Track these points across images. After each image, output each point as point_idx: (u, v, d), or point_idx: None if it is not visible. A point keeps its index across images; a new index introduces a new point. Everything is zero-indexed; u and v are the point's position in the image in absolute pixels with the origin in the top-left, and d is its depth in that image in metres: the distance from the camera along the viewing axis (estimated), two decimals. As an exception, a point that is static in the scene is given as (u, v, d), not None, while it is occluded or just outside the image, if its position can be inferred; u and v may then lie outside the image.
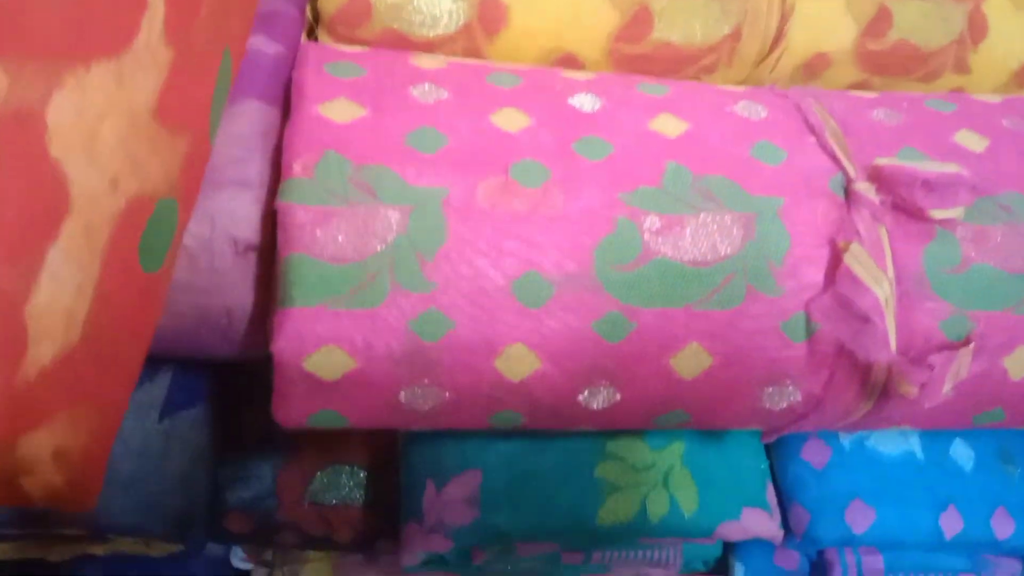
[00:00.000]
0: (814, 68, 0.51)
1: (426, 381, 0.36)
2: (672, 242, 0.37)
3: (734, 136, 0.41)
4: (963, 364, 0.38)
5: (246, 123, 0.40)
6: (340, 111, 0.38)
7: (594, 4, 0.46)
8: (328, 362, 0.34)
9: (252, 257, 0.38)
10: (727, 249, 0.37)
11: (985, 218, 0.40)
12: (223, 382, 0.50)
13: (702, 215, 0.38)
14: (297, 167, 0.36)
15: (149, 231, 0.26)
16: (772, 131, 0.42)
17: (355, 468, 0.51)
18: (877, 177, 0.40)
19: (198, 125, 0.30)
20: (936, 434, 0.49)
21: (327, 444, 0.51)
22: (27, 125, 0.22)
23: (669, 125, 0.41)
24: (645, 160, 0.39)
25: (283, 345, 0.34)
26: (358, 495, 0.51)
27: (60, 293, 0.23)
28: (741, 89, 0.45)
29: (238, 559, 0.63)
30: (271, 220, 0.38)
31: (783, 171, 0.40)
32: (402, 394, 0.36)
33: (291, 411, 0.36)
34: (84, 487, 0.25)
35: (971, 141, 0.44)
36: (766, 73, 0.50)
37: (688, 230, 0.37)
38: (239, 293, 0.39)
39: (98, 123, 0.24)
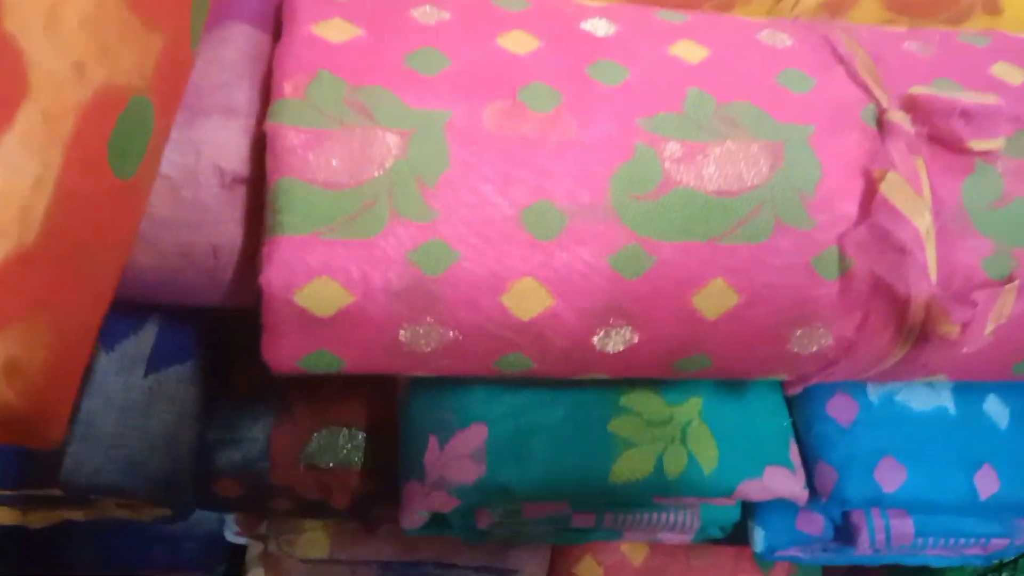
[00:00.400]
0: (837, 7, 0.48)
1: (428, 319, 0.33)
2: (695, 170, 0.34)
3: (759, 63, 0.38)
4: (1006, 303, 0.36)
5: (233, 47, 0.37)
6: (335, 30, 0.35)
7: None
8: (321, 295, 0.32)
9: (240, 191, 0.36)
10: (754, 179, 0.35)
11: None
12: (212, 337, 0.47)
13: (727, 143, 0.35)
14: (288, 87, 0.33)
15: (120, 129, 0.24)
16: (798, 59, 0.39)
17: (353, 430, 0.48)
18: (912, 107, 0.37)
19: (176, 23, 0.27)
20: (969, 389, 0.46)
21: (323, 403, 0.48)
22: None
23: (689, 51, 0.38)
24: (664, 86, 0.36)
25: (272, 276, 0.31)
26: (356, 458, 0.48)
27: (15, 184, 0.20)
28: (763, 19, 0.43)
29: (231, 533, 0.60)
30: (260, 152, 0.35)
31: (812, 99, 0.37)
32: (402, 333, 0.33)
33: (282, 351, 0.33)
34: (43, 412, 0.22)
35: (1009, 73, 0.41)
36: (787, 11, 0.47)
37: (712, 158, 0.34)
38: (226, 229, 0.36)
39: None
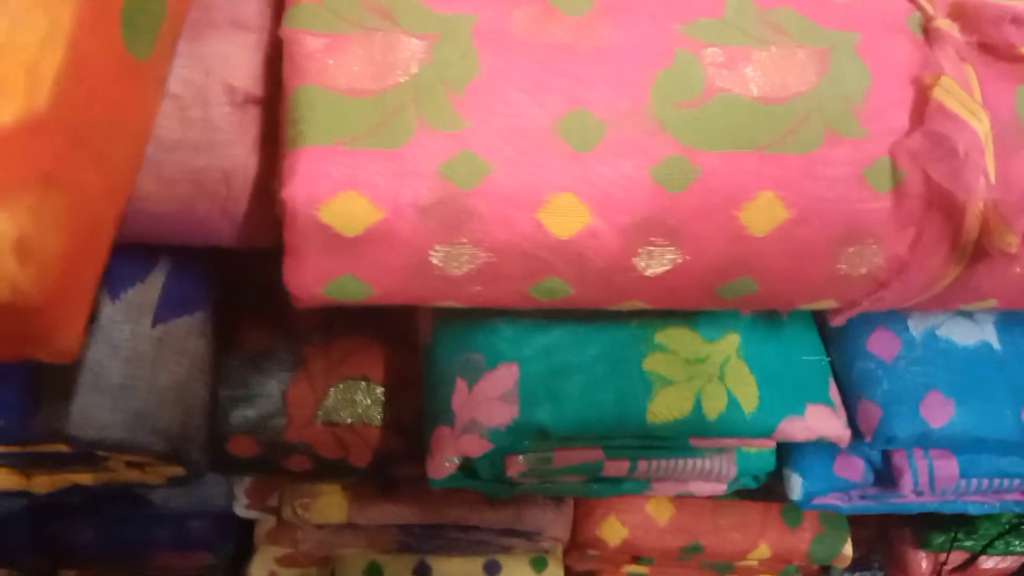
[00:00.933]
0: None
1: (462, 239, 0.31)
2: (739, 77, 0.32)
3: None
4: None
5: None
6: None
7: None
8: (348, 212, 0.29)
9: (253, 111, 0.34)
10: (801, 86, 0.33)
11: None
12: (222, 290, 0.45)
13: (771, 48, 0.33)
14: (304, -6, 0.31)
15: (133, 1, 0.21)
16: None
17: (371, 384, 0.46)
18: (960, 15, 0.36)
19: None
20: (1012, 324, 0.45)
21: (339, 357, 0.46)
22: None
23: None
24: (703, -6, 0.34)
25: (295, 191, 0.29)
26: (375, 413, 0.46)
27: (21, 39, 0.18)
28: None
29: (241, 507, 0.58)
30: (274, 69, 0.33)
31: (856, 5, 0.35)
32: (433, 254, 0.31)
33: (306, 276, 0.31)
34: (59, 307, 0.20)
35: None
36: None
37: (756, 64, 0.33)
38: (238, 154, 0.34)
39: None
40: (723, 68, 0.32)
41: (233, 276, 0.45)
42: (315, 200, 0.29)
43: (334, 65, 0.30)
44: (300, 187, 0.29)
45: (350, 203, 0.29)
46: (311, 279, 0.31)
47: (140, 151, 0.24)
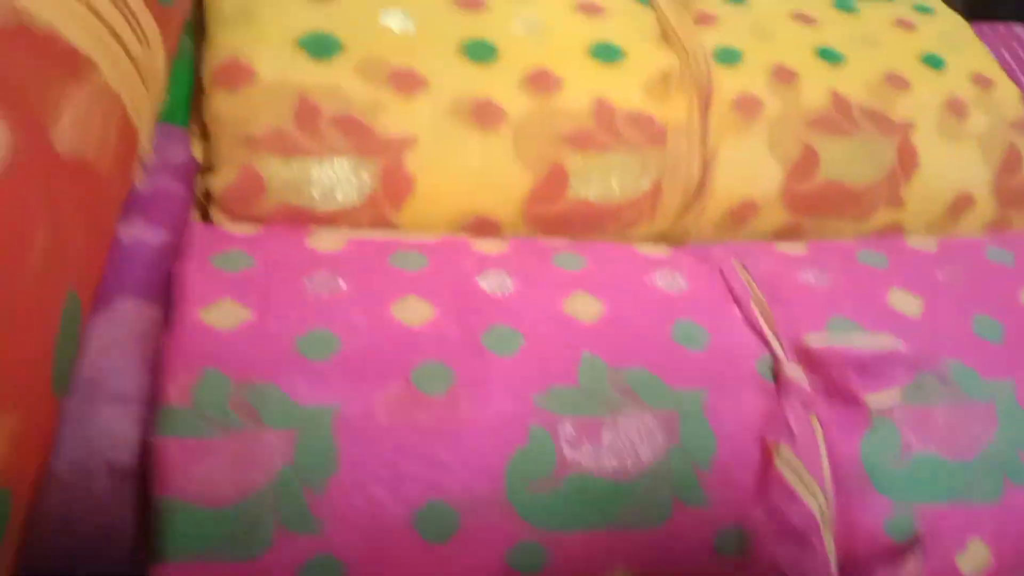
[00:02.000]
0: (741, 215, 0.49)
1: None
2: (591, 452, 0.34)
3: (654, 315, 0.39)
4: (912, 568, 0.36)
5: (123, 327, 0.36)
6: (224, 316, 0.35)
7: (505, 165, 0.44)
8: (207, 624, 0.30)
9: (132, 483, 0.35)
10: (649, 455, 0.34)
11: (926, 397, 0.38)
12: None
13: (621, 418, 0.35)
14: (172, 391, 0.32)
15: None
16: (694, 306, 0.39)
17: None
18: (807, 359, 0.38)
19: (34, 394, 0.26)
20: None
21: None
22: None
23: (585, 307, 0.38)
24: (559, 352, 0.36)
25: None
26: None
27: None
28: (661, 254, 0.43)
29: None
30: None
31: (706, 357, 0.37)
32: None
33: None
34: None
35: (906, 304, 0.42)
36: (691, 223, 0.48)
37: (607, 436, 0.34)
38: (118, 519, 0.35)
39: None
40: (575, 445, 0.34)
41: None
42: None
43: (197, 475, 0.31)
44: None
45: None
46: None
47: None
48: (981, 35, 0.64)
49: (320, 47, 0.41)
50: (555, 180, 0.44)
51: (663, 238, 0.48)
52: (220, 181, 0.40)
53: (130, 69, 0.31)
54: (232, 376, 0.33)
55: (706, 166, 0.46)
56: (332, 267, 0.38)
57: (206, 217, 0.42)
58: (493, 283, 0.38)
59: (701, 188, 0.47)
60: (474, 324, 0.36)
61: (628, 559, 0.34)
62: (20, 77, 0.25)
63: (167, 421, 0.32)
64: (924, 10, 0.58)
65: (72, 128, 0.27)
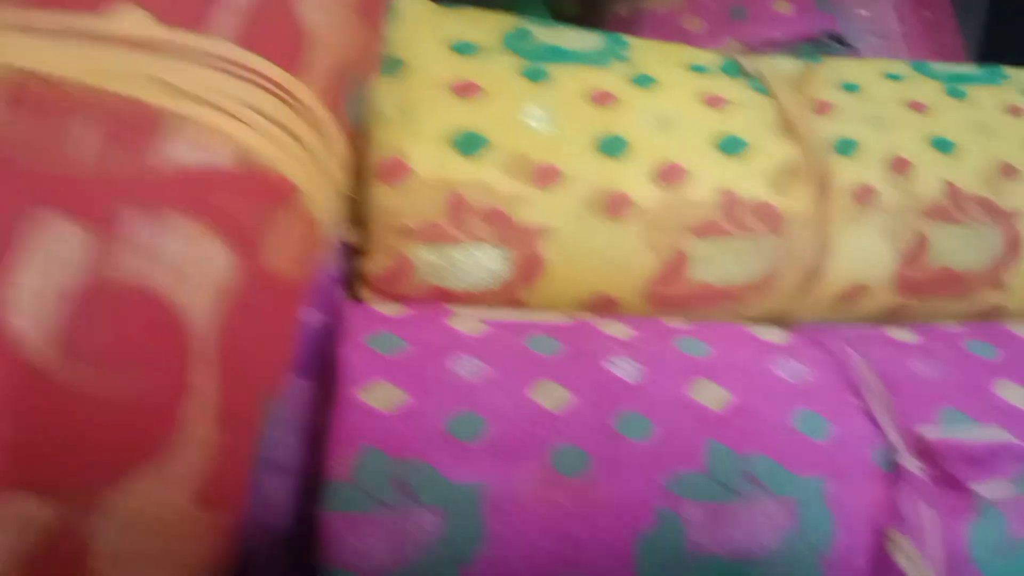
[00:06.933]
0: (853, 297, 0.51)
1: None
2: (716, 535, 0.37)
3: (776, 403, 0.41)
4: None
5: (285, 403, 0.40)
6: (382, 397, 0.38)
7: (632, 252, 0.47)
8: None
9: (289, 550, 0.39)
10: (771, 541, 0.37)
11: None
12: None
13: (745, 504, 0.37)
14: (336, 466, 0.36)
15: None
16: (815, 396, 0.42)
17: None
18: (923, 450, 0.40)
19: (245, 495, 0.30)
20: None
21: None
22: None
23: (711, 394, 0.41)
24: (687, 438, 0.39)
25: None
26: None
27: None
28: (779, 340, 0.45)
29: None
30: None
31: (827, 447, 0.40)
32: None
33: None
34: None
35: (1015, 395, 0.43)
36: (804, 303, 0.50)
37: (731, 520, 0.37)
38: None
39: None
40: (701, 527, 0.36)
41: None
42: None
43: (359, 546, 0.34)
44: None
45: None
46: None
47: None
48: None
49: (469, 144, 0.45)
50: (679, 264, 0.47)
51: (775, 316, 0.51)
52: (374, 266, 0.44)
53: (326, 186, 0.35)
54: (388, 452, 0.37)
55: (823, 252, 0.49)
56: (474, 351, 0.41)
57: (351, 292, 0.46)
58: (623, 369, 0.41)
59: (817, 272, 0.49)
60: (607, 407, 0.39)
61: None
62: (241, 211, 0.29)
63: (332, 495, 0.35)
64: (1033, 93, 0.59)
65: (277, 248, 0.31)
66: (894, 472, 0.39)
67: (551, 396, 0.40)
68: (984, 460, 0.39)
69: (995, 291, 0.53)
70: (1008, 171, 0.53)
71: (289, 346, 0.36)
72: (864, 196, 0.50)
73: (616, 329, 0.44)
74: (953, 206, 0.51)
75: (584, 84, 0.49)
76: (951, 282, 0.52)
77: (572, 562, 0.36)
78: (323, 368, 0.42)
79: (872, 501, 0.38)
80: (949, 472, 0.39)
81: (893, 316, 0.53)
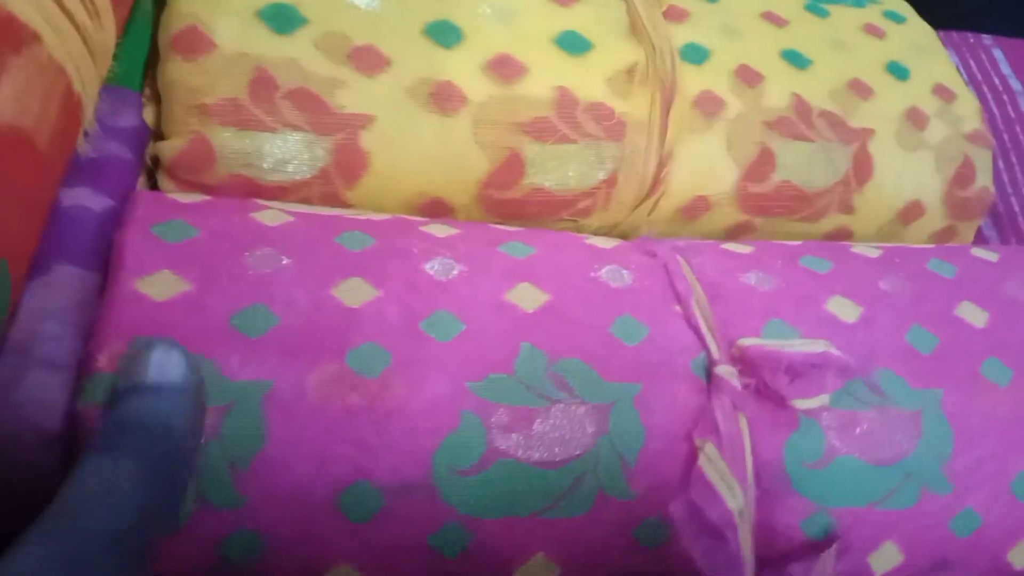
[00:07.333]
0: (694, 211, 0.49)
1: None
2: (520, 440, 0.34)
3: (595, 308, 0.39)
4: (826, 566, 0.37)
5: (59, 294, 0.36)
6: (161, 286, 0.35)
7: (462, 150, 0.44)
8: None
9: (62, 450, 0.35)
10: (577, 447, 0.35)
11: (853, 402, 0.39)
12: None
13: (553, 408, 0.35)
14: (102, 359, 0.32)
15: None
16: (636, 302, 0.40)
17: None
18: (741, 359, 0.38)
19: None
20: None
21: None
22: None
23: (528, 296, 0.38)
24: (498, 340, 0.37)
25: None
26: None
27: None
28: (610, 246, 0.43)
29: None
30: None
31: (643, 351, 0.38)
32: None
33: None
34: None
35: (845, 310, 0.42)
36: (644, 216, 0.48)
37: (537, 425, 0.35)
38: (42, 483, 0.35)
39: None
40: (506, 431, 0.34)
41: None
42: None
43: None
44: None
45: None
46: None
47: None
48: (949, 44, 0.65)
49: (282, 20, 0.41)
50: (512, 166, 0.44)
51: (615, 229, 0.49)
52: (170, 149, 0.40)
53: (77, 41, 0.31)
54: None
55: (662, 162, 0.47)
56: (276, 243, 0.37)
57: (155, 183, 0.42)
58: (438, 267, 0.39)
59: (656, 183, 0.47)
60: (416, 306, 0.37)
61: (548, 544, 0.34)
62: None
63: (94, 389, 0.32)
64: (895, 17, 0.59)
65: (10, 99, 0.27)
66: (711, 383, 0.38)
67: (355, 293, 0.36)
68: (804, 372, 0.38)
69: (843, 214, 0.52)
70: (861, 88, 0.52)
71: (35, 215, 0.31)
72: (708, 105, 0.48)
73: (437, 229, 0.41)
74: (800, 120, 0.50)
75: (420, -33, 0.45)
76: (796, 201, 0.51)
77: (362, 468, 0.33)
78: (109, 259, 0.38)
79: (686, 409, 0.37)
80: (768, 384, 0.38)
81: (737, 234, 0.51)
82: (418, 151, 0.43)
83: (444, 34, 0.43)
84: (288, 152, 0.41)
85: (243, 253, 0.37)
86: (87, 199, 0.38)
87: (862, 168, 0.51)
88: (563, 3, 0.47)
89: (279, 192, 0.42)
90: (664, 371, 0.37)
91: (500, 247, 0.41)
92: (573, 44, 0.46)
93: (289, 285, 0.36)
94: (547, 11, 0.47)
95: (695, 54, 0.49)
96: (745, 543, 0.35)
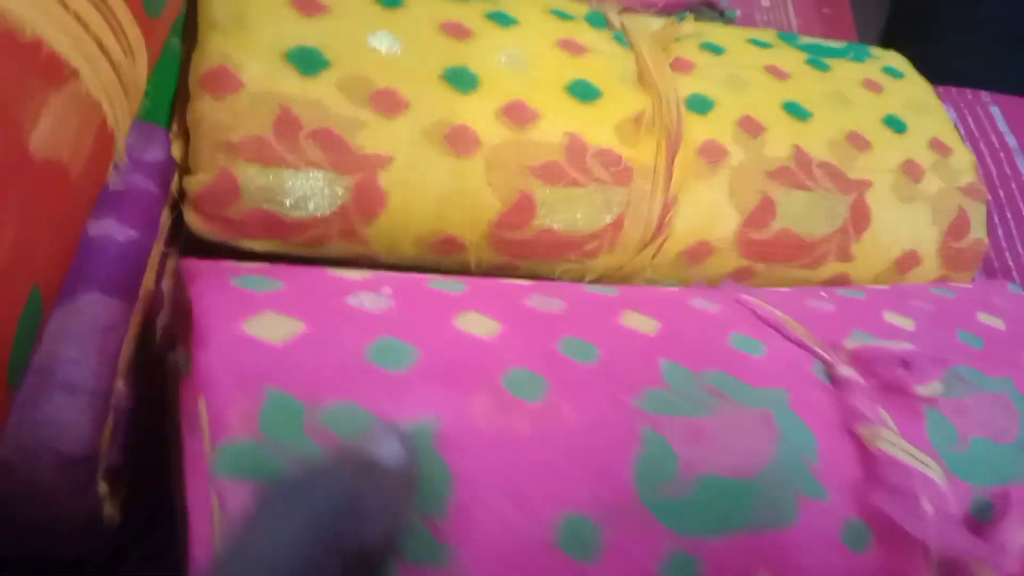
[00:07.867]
0: (697, 255, 0.50)
1: None
2: (706, 452, 0.32)
3: (708, 329, 0.38)
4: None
5: (85, 320, 0.37)
6: (271, 328, 0.30)
7: (476, 190, 0.44)
8: None
9: (79, 472, 0.36)
10: (762, 452, 0.33)
11: (957, 391, 0.39)
12: None
13: (721, 416, 0.33)
14: (234, 419, 0.27)
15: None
16: (735, 323, 0.39)
17: None
18: (856, 360, 0.38)
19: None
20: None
21: None
22: None
23: (641, 322, 0.37)
24: (636, 358, 0.34)
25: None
26: None
27: None
28: (686, 288, 0.43)
29: None
30: (101, 428, 0.35)
31: (770, 362, 0.37)
32: None
33: None
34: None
35: (900, 320, 0.43)
36: (648, 259, 0.50)
37: (716, 435, 0.32)
38: (61, 507, 0.36)
39: None
40: (689, 445, 0.32)
41: None
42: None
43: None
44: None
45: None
46: None
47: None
48: (947, 100, 0.67)
49: (307, 62, 0.41)
50: (522, 208, 0.45)
51: (620, 271, 0.50)
52: (196, 183, 0.40)
53: (112, 77, 0.32)
54: (301, 398, 0.28)
55: (667, 207, 0.48)
56: (369, 288, 0.34)
57: (177, 215, 0.43)
58: (542, 303, 0.37)
59: (660, 226, 0.48)
60: (543, 335, 0.34)
61: (770, 563, 0.31)
62: (2, 83, 0.26)
63: (235, 459, 0.26)
64: (894, 73, 0.61)
65: (49, 133, 0.28)
66: (835, 384, 0.37)
67: (479, 325, 0.33)
68: (914, 364, 0.38)
69: (840, 263, 0.54)
70: (859, 141, 0.54)
71: (68, 244, 0.33)
72: (712, 154, 0.49)
73: (520, 280, 0.40)
74: (800, 170, 0.51)
75: (438, 14, 0.46)
76: (795, 248, 0.52)
77: (565, 499, 0.29)
78: (135, 288, 0.38)
79: (832, 409, 0.36)
80: (889, 378, 0.37)
81: (738, 279, 0.52)
82: (433, 191, 0.44)
83: (461, 80, 0.44)
84: (309, 189, 0.42)
85: (342, 297, 0.33)
86: (113, 230, 0.39)
87: (860, 218, 0.53)
88: (575, 53, 0.49)
89: (299, 227, 0.43)
90: (798, 378, 0.36)
91: (584, 288, 0.40)
92: (583, 92, 0.47)
93: (405, 320, 0.33)
94: (559, 60, 0.48)
95: (700, 104, 0.51)
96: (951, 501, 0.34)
